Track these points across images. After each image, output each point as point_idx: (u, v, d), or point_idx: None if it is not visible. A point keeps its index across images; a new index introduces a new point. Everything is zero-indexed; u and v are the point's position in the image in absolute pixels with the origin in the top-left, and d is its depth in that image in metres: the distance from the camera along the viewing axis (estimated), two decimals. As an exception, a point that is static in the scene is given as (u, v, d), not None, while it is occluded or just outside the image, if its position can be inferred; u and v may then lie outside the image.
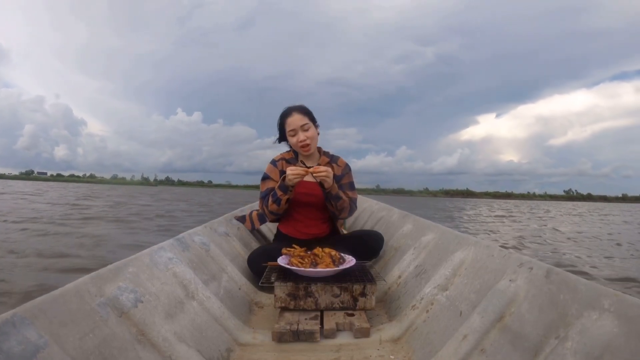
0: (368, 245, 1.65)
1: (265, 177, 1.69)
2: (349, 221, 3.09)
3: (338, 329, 1.09)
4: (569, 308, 0.66)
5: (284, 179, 1.51)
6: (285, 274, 1.25)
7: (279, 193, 1.55)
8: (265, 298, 1.42)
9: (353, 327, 1.09)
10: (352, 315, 1.15)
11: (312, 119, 1.64)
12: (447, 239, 1.31)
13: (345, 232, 1.97)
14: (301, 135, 1.60)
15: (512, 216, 13.56)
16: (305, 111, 1.63)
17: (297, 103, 1.67)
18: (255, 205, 3.02)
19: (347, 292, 1.19)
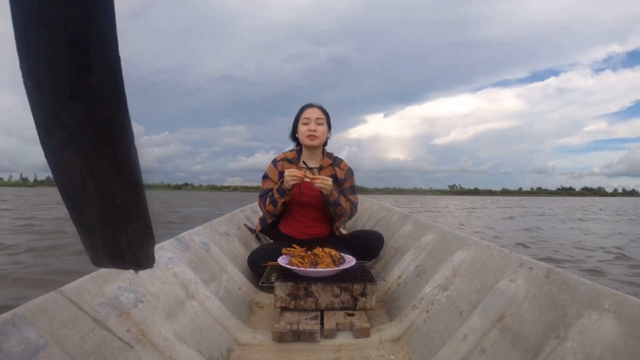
0: (368, 246, 1.65)
1: (265, 177, 1.70)
2: (349, 221, 3.09)
3: (338, 329, 1.09)
4: (569, 308, 0.66)
5: (282, 182, 1.52)
6: (286, 274, 1.25)
7: (277, 195, 1.56)
8: (265, 298, 1.42)
9: (353, 327, 1.09)
10: (352, 315, 1.15)
11: (329, 122, 1.69)
12: (447, 239, 1.31)
13: (345, 232, 1.98)
14: (313, 125, 1.62)
15: (431, 211, 13.37)
16: (324, 111, 1.69)
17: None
18: (253, 206, 3.02)
19: (347, 292, 1.19)
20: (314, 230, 1.69)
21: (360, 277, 1.26)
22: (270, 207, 1.59)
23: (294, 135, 1.73)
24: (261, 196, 1.67)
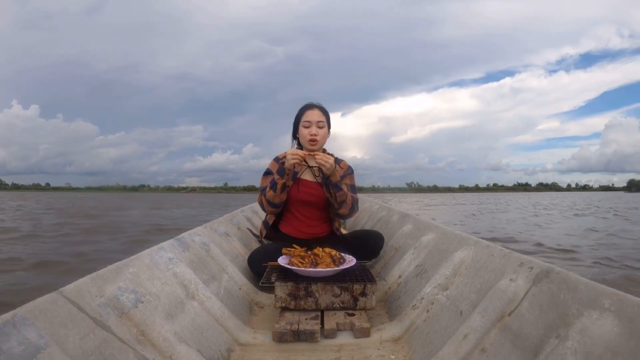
0: (368, 245, 1.65)
1: (268, 173, 1.69)
2: (349, 221, 3.09)
3: (338, 329, 1.09)
4: (569, 308, 0.66)
5: (282, 163, 1.52)
6: (286, 274, 1.25)
7: (276, 177, 1.55)
8: (265, 298, 1.42)
9: (353, 327, 1.09)
10: (353, 315, 1.15)
11: (329, 122, 1.69)
12: (447, 238, 1.31)
13: (345, 232, 1.97)
14: (314, 129, 1.62)
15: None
16: (325, 111, 1.68)
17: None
18: (253, 206, 3.02)
19: (347, 292, 1.19)
20: (314, 230, 1.69)
21: (361, 277, 1.26)
22: (270, 193, 1.56)
23: (294, 135, 1.73)
24: (262, 191, 1.65)
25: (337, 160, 1.73)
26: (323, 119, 1.64)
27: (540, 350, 0.66)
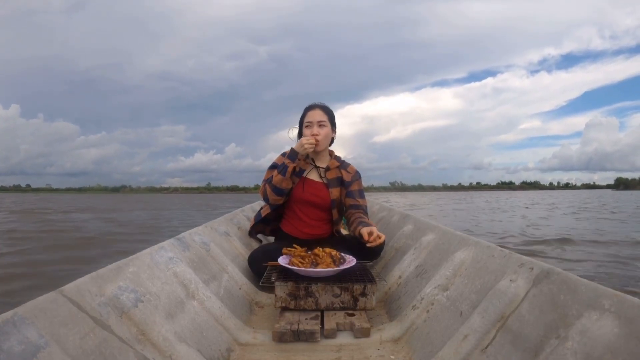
0: (369, 246, 1.65)
1: (273, 166, 1.68)
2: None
3: (338, 329, 1.09)
4: (569, 308, 0.66)
5: (293, 148, 1.53)
6: (286, 274, 1.25)
7: (287, 161, 1.55)
8: (265, 298, 1.42)
9: (353, 327, 1.09)
10: (353, 315, 1.15)
11: (332, 121, 1.68)
12: (447, 239, 1.31)
13: (345, 232, 1.97)
14: (315, 129, 1.62)
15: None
16: (327, 110, 1.67)
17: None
18: (254, 206, 3.02)
19: (347, 292, 1.19)
20: (316, 231, 1.69)
21: (361, 277, 1.26)
22: (278, 178, 1.54)
23: (300, 137, 1.73)
24: (266, 181, 1.64)
25: (344, 164, 1.73)
26: (324, 118, 1.64)
27: (540, 350, 0.66)
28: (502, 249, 1.00)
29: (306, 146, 1.50)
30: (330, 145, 1.73)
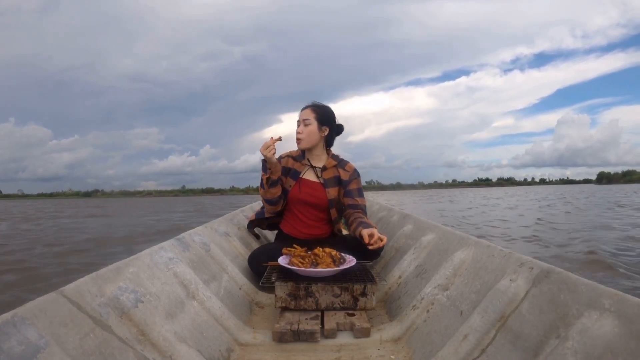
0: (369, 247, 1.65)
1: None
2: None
3: (338, 329, 1.09)
4: (569, 308, 0.66)
5: (263, 159, 1.53)
6: (286, 274, 1.25)
7: (262, 174, 1.57)
8: (265, 298, 1.42)
9: (353, 327, 1.09)
10: (353, 315, 1.15)
11: (321, 119, 1.63)
12: (447, 239, 1.31)
13: (345, 232, 1.97)
14: (300, 127, 1.62)
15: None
16: (315, 108, 1.65)
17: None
18: (253, 206, 3.02)
19: (347, 292, 1.19)
20: (315, 231, 1.69)
21: (361, 277, 1.26)
22: (261, 191, 1.60)
23: None
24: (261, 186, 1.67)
25: (342, 163, 1.71)
26: (310, 116, 1.62)
27: (540, 350, 0.66)
28: (502, 248, 1.00)
29: (263, 152, 1.47)
30: (329, 144, 1.71)
